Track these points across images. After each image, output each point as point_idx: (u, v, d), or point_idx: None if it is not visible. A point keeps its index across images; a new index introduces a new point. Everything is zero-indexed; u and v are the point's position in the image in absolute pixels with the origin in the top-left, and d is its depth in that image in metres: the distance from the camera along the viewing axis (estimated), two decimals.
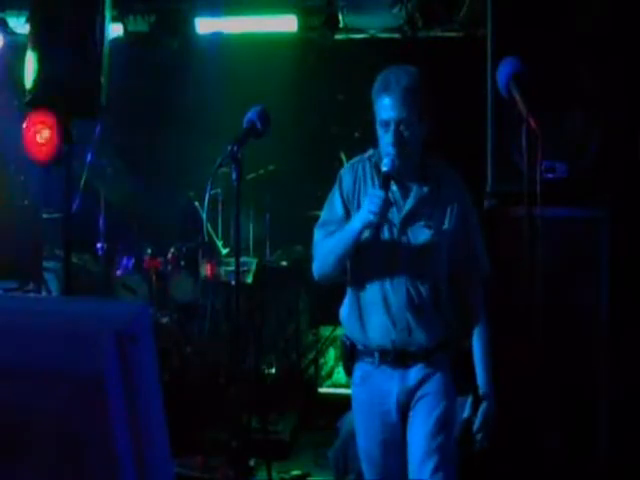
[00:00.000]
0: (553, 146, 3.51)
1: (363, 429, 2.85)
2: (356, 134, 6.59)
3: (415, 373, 2.75)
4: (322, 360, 6.21)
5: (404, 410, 2.76)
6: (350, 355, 2.85)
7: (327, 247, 2.79)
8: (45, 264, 5.62)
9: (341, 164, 6.48)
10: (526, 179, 2.23)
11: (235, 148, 2.72)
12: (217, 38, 6.31)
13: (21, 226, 5.40)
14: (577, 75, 3.60)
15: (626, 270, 3.61)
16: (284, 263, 6.09)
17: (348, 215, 2.80)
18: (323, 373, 6.21)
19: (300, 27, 6.16)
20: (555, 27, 3.62)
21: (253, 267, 5.76)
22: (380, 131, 2.72)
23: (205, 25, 6.31)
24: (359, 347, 2.81)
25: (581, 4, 3.63)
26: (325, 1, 6.08)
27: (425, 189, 2.75)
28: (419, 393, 2.75)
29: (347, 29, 6.29)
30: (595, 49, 3.60)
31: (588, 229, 3.63)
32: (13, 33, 6.34)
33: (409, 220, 2.74)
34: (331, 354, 6.24)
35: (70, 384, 1.02)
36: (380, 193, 2.61)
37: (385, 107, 2.67)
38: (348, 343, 2.84)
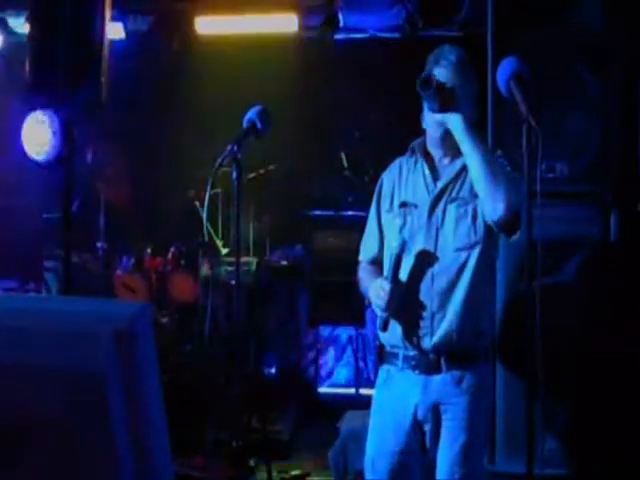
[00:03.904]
0: (553, 146, 3.51)
1: (375, 435, 2.76)
2: (356, 134, 6.59)
3: (439, 385, 2.64)
4: (322, 360, 6.21)
5: (421, 424, 2.67)
6: (379, 356, 2.80)
7: (362, 288, 2.84)
8: (45, 264, 5.63)
9: (341, 164, 6.49)
10: (526, 179, 2.23)
11: (235, 148, 2.72)
12: (217, 38, 6.31)
13: (21, 226, 5.40)
14: (577, 75, 3.60)
15: (626, 269, 3.61)
16: (284, 263, 6.09)
17: (380, 218, 2.82)
18: (323, 373, 6.21)
19: (300, 27, 6.16)
20: (555, 27, 3.63)
21: (253, 267, 5.76)
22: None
23: (205, 25, 6.31)
24: (386, 348, 2.74)
25: (581, 4, 3.64)
26: (325, 1, 6.07)
27: (457, 165, 2.69)
28: (442, 415, 2.63)
29: (347, 29, 6.29)
30: (595, 49, 3.60)
31: (588, 229, 3.63)
32: (13, 33, 6.34)
33: (438, 203, 2.68)
34: (331, 354, 6.24)
35: (70, 383, 1.02)
36: (387, 286, 2.59)
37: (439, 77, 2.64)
38: (378, 344, 2.80)
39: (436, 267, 2.64)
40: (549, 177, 3.54)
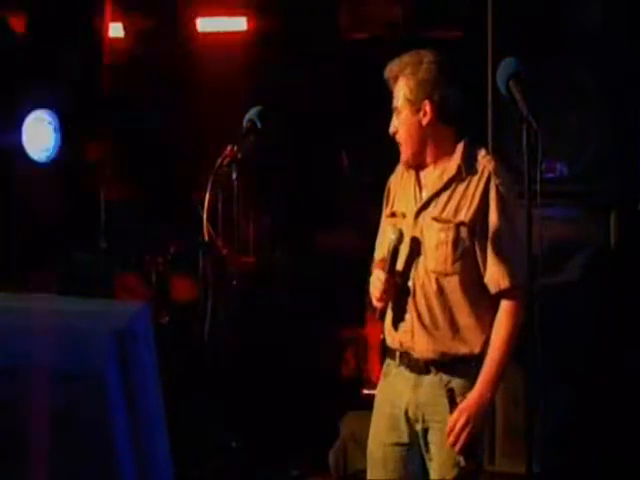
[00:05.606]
0: (553, 146, 3.51)
1: (373, 426, 2.81)
2: (356, 134, 6.59)
3: (428, 387, 2.64)
4: (323, 360, 6.20)
5: (413, 422, 2.67)
6: (383, 350, 2.86)
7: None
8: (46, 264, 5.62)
9: (342, 164, 6.49)
10: (526, 179, 2.23)
11: (235, 148, 2.73)
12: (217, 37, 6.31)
13: (21, 226, 5.40)
14: (577, 75, 3.60)
15: (626, 269, 3.61)
16: (284, 263, 6.09)
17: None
18: (324, 373, 6.20)
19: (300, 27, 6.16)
20: (555, 27, 3.63)
21: (253, 267, 5.75)
22: None
23: (205, 25, 6.31)
24: (387, 343, 2.79)
25: (581, 3, 3.64)
26: (326, 1, 6.08)
27: (443, 180, 2.66)
28: (430, 417, 2.63)
29: (347, 29, 6.29)
30: (595, 49, 3.60)
31: (588, 229, 3.63)
32: (13, 33, 6.34)
33: (421, 213, 2.68)
34: (332, 354, 6.23)
35: (70, 384, 1.02)
36: (383, 276, 2.61)
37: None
38: (382, 338, 2.84)
39: (417, 284, 2.63)
40: (549, 177, 3.54)
